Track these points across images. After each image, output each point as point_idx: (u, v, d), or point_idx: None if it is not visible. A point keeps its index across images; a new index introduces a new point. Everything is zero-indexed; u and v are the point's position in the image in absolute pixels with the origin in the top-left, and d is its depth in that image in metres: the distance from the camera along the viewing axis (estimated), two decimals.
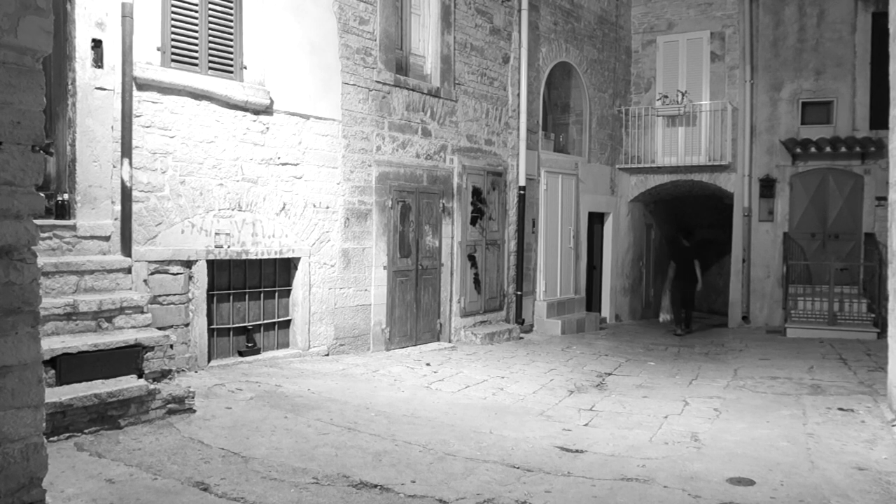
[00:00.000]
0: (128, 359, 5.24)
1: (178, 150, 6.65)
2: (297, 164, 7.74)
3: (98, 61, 5.97)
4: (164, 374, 5.56)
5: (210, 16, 6.94)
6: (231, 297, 7.31)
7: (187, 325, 6.70)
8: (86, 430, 4.66)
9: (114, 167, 6.12)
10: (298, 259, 7.84)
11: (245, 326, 7.42)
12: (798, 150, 13.10)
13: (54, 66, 5.84)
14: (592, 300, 13.79)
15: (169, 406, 5.19)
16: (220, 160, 6.98)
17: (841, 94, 13.09)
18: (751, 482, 4.42)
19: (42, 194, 2.37)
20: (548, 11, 11.97)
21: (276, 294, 7.79)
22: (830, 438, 5.42)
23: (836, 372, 8.33)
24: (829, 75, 13.17)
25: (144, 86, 6.32)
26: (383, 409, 5.91)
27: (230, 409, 5.49)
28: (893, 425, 5.73)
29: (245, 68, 7.22)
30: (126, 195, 6.14)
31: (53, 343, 4.85)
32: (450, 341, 9.85)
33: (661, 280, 16.35)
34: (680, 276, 12.84)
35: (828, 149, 12.80)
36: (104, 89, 6.04)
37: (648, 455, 4.95)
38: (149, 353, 5.43)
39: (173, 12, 6.65)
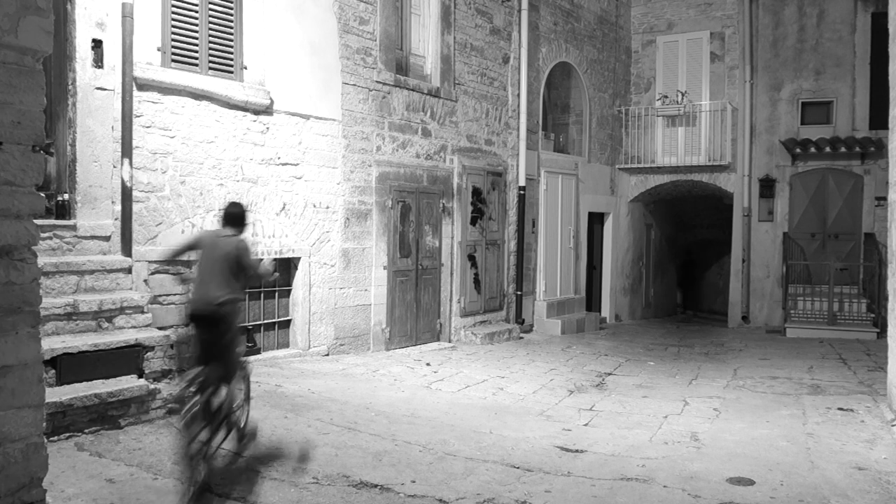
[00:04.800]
0: (128, 359, 5.24)
1: (179, 150, 6.65)
2: (297, 164, 7.74)
3: (98, 61, 5.97)
4: (164, 374, 5.56)
5: (210, 16, 6.95)
6: None
7: (188, 325, 6.69)
8: (86, 430, 4.67)
9: (114, 167, 6.12)
10: (298, 259, 7.84)
11: (245, 326, 7.42)
12: (798, 151, 13.10)
13: (54, 67, 5.84)
14: (592, 300, 13.78)
15: (169, 406, 5.19)
16: (220, 160, 6.99)
17: (841, 95, 13.08)
18: (751, 482, 4.42)
19: (42, 194, 2.37)
20: (548, 11, 11.97)
21: (276, 294, 7.79)
22: (830, 438, 5.42)
23: (836, 372, 8.33)
24: (828, 75, 13.17)
25: (145, 86, 6.33)
26: (383, 409, 5.91)
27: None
28: (893, 425, 5.73)
29: (245, 68, 7.22)
30: (126, 195, 6.14)
31: (54, 343, 4.86)
32: (450, 341, 9.86)
33: (661, 280, 16.35)
34: None
35: (827, 149, 12.81)
36: (104, 89, 6.05)
37: (648, 455, 4.96)
38: (149, 353, 5.43)
39: (173, 12, 6.65)
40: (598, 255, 14.10)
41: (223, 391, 4.17)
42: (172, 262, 4.77)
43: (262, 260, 4.99)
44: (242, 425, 4.48)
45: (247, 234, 4.69)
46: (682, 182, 14.32)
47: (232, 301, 4.27)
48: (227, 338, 4.25)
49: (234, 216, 4.52)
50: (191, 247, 4.46)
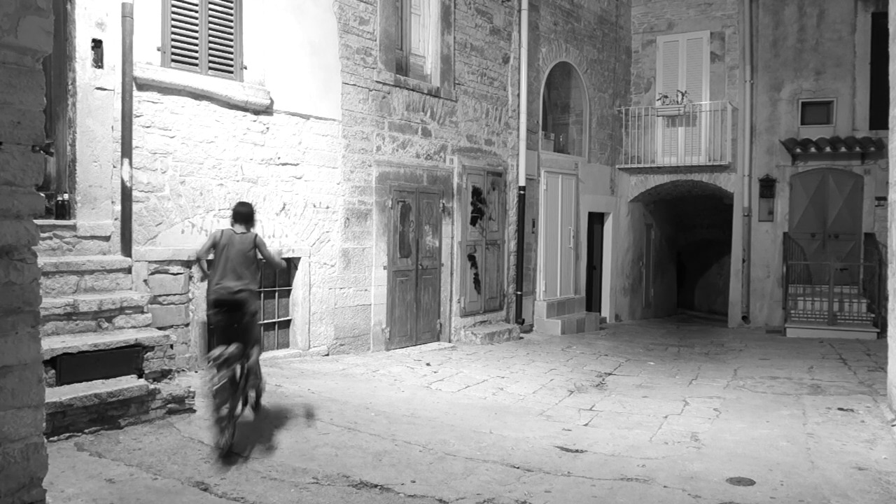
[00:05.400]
0: (128, 359, 5.24)
1: (179, 150, 6.65)
2: (297, 164, 7.74)
3: (98, 61, 5.97)
4: (164, 374, 5.57)
5: (210, 16, 6.94)
6: None
7: (187, 324, 6.70)
8: (86, 430, 4.67)
9: (114, 167, 6.12)
10: (298, 259, 7.84)
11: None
12: (798, 150, 13.10)
13: (54, 66, 5.84)
14: (592, 300, 13.78)
15: (169, 406, 5.20)
16: (220, 160, 6.99)
17: (841, 94, 13.08)
18: (751, 482, 4.42)
19: (42, 194, 2.37)
20: (548, 11, 11.97)
21: (276, 294, 7.79)
22: (830, 438, 5.42)
23: (836, 372, 8.33)
24: (828, 75, 13.17)
25: (144, 86, 6.32)
26: (383, 409, 5.91)
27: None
28: (893, 425, 5.73)
29: (245, 68, 7.22)
30: (126, 195, 6.14)
31: (53, 343, 4.86)
32: (450, 341, 9.85)
33: (661, 280, 16.36)
34: None
35: (828, 149, 12.81)
36: (104, 89, 6.05)
37: (648, 455, 4.96)
38: (149, 353, 5.43)
39: (173, 12, 6.65)
40: (598, 255, 14.09)
41: (242, 366, 4.83)
42: (198, 260, 5.31)
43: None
44: (262, 392, 5.38)
45: (257, 229, 5.40)
46: (682, 182, 14.32)
47: (249, 290, 4.95)
48: (245, 320, 4.90)
49: (244, 214, 5.19)
50: (213, 245, 5.09)
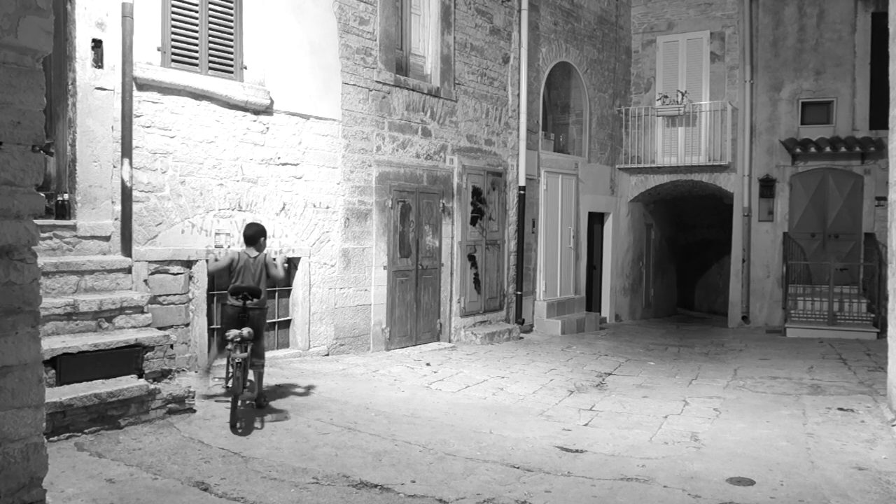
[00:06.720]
0: (128, 359, 5.24)
1: (179, 150, 6.65)
2: (297, 164, 7.74)
3: (98, 61, 5.97)
4: (164, 374, 5.57)
5: (210, 16, 6.94)
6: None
7: (187, 325, 6.70)
8: (86, 430, 4.67)
9: (114, 167, 6.12)
10: (298, 259, 7.84)
11: None
12: (798, 150, 13.10)
13: (54, 66, 5.84)
14: (592, 300, 13.78)
15: (169, 406, 5.20)
16: (220, 160, 6.99)
17: (841, 94, 13.08)
18: (751, 482, 4.42)
19: (42, 194, 2.37)
20: (548, 11, 11.97)
21: (276, 294, 7.79)
22: (830, 438, 5.42)
23: (836, 372, 8.33)
24: (828, 75, 13.16)
25: (145, 86, 6.32)
26: (383, 409, 5.92)
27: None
28: (893, 425, 5.73)
29: (245, 68, 7.22)
30: (126, 195, 6.14)
31: (54, 343, 4.86)
32: (450, 341, 9.85)
33: (661, 280, 16.36)
34: None
35: (828, 149, 12.80)
36: (104, 89, 6.04)
37: (648, 455, 4.96)
38: (149, 353, 5.43)
39: (173, 12, 6.65)
40: (598, 255, 14.09)
41: (251, 349, 5.34)
42: (218, 274, 5.92)
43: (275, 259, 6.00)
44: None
45: (267, 250, 5.83)
46: (682, 182, 14.32)
47: (262, 301, 5.63)
48: (257, 305, 5.47)
49: (252, 237, 5.65)
50: (230, 267, 5.60)
